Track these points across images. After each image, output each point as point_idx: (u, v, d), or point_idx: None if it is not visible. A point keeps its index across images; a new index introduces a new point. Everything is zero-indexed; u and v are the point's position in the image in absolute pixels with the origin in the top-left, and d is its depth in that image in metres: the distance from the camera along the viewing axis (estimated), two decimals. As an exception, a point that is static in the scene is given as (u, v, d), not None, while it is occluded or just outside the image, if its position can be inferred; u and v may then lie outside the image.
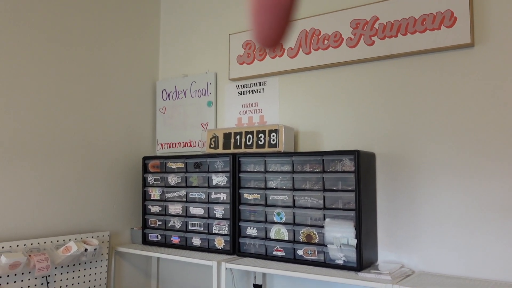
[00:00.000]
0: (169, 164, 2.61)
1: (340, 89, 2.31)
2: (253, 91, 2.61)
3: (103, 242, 2.59)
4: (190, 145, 2.84)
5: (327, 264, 2.02)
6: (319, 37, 2.34)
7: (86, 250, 2.36)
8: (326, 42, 2.32)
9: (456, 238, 1.94)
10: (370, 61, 2.21)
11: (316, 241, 2.07)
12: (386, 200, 2.13)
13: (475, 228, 1.90)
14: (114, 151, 2.76)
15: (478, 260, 1.89)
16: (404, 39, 2.09)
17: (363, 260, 1.94)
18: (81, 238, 2.46)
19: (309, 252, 2.08)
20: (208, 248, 2.43)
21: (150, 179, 2.68)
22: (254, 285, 2.47)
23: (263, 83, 2.57)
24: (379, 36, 2.16)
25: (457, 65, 1.99)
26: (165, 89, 2.98)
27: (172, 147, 2.92)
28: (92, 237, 2.52)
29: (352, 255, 1.95)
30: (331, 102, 2.33)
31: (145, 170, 2.71)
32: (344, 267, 1.97)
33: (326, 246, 2.02)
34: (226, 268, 2.17)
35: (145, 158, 2.71)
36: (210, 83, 2.78)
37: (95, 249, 2.41)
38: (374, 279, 1.80)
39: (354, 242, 1.94)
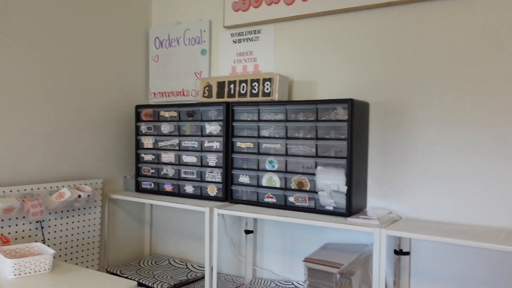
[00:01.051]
0: (162, 113, 2.59)
1: (336, 37, 2.27)
2: (248, 39, 2.56)
3: (96, 189, 2.61)
4: (183, 94, 2.81)
5: (317, 210, 2.06)
6: (316, -17, 2.27)
7: (79, 196, 2.38)
8: (323, -12, 2.25)
9: (445, 187, 1.97)
10: (368, 8, 2.16)
11: (307, 188, 2.09)
12: (378, 149, 2.14)
13: (465, 177, 1.93)
14: (107, 99, 2.73)
15: (466, 207, 1.93)
16: (403, -15, 2.03)
17: (353, 206, 1.98)
18: (74, 185, 2.48)
19: (300, 199, 2.11)
20: (200, 196, 2.46)
21: (143, 127, 2.67)
22: (245, 230, 2.53)
23: (258, 31, 2.51)
24: (377, -18, 2.10)
25: (457, 13, 1.95)
26: (158, 37, 2.92)
27: (165, 96, 2.89)
28: (86, 184, 2.53)
29: (342, 202, 1.98)
30: (326, 51, 2.30)
31: (138, 118, 2.69)
32: (334, 212, 2.01)
33: (317, 193, 2.05)
34: (218, 214, 2.21)
35: (138, 107, 2.69)
36: (204, 31, 2.72)
37: (89, 195, 2.43)
38: (363, 223, 1.84)
39: (344, 189, 1.96)
